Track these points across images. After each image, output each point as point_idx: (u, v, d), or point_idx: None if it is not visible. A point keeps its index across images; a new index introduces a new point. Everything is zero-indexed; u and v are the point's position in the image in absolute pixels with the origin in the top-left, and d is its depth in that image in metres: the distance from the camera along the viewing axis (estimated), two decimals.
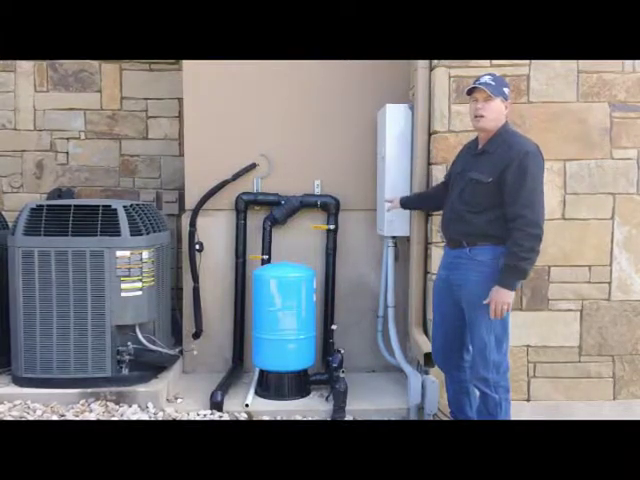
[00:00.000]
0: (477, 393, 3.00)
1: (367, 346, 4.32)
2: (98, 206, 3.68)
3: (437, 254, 3.45)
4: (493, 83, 2.84)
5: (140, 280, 3.72)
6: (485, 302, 2.78)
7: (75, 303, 3.64)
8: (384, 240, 4.11)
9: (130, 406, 3.59)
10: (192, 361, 4.30)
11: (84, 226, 3.62)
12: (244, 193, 4.23)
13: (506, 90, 2.90)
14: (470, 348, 3.03)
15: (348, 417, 3.57)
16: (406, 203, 3.61)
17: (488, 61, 3.53)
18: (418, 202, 3.63)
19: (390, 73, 4.15)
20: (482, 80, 2.87)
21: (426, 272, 3.78)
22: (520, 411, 3.52)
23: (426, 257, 3.77)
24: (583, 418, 3.42)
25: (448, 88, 3.57)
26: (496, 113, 2.85)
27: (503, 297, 2.73)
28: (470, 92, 2.91)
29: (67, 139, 4.94)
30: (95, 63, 4.89)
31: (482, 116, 2.85)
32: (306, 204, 4.23)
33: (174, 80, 4.75)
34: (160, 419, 3.52)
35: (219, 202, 4.27)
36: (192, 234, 4.25)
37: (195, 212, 4.23)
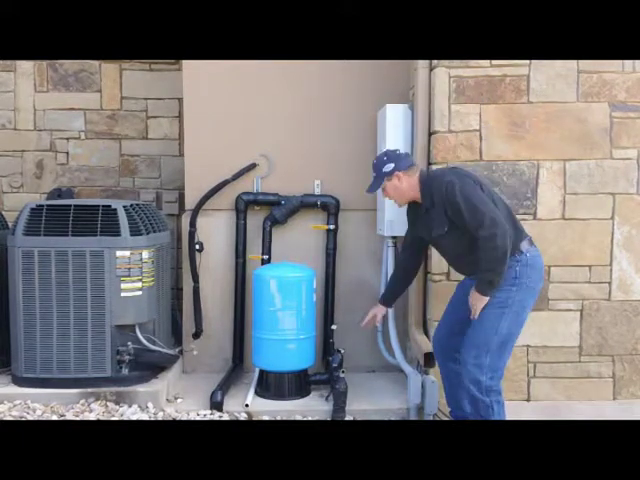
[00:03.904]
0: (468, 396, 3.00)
1: (367, 346, 4.31)
2: (98, 206, 3.68)
3: (437, 254, 3.44)
4: (373, 176, 3.09)
5: (140, 280, 3.71)
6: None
7: (75, 303, 3.64)
8: (384, 240, 4.11)
9: (130, 406, 3.59)
10: (192, 361, 4.30)
11: (84, 226, 3.62)
12: (244, 193, 4.23)
13: (386, 167, 3.01)
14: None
15: (348, 417, 3.57)
16: (387, 301, 3.48)
17: (488, 61, 3.53)
18: (398, 290, 3.46)
19: (390, 73, 4.15)
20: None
21: (426, 272, 3.78)
22: (520, 411, 3.52)
23: (426, 257, 3.77)
24: (583, 418, 3.42)
25: (448, 88, 3.57)
26: (394, 191, 3.06)
27: (477, 300, 2.92)
28: None
29: (67, 139, 4.94)
30: (95, 63, 4.89)
31: (391, 199, 3.17)
32: (306, 204, 4.23)
33: (174, 80, 4.75)
34: (160, 419, 3.52)
35: (219, 202, 4.27)
36: (192, 234, 4.24)
37: (195, 212, 4.23)
